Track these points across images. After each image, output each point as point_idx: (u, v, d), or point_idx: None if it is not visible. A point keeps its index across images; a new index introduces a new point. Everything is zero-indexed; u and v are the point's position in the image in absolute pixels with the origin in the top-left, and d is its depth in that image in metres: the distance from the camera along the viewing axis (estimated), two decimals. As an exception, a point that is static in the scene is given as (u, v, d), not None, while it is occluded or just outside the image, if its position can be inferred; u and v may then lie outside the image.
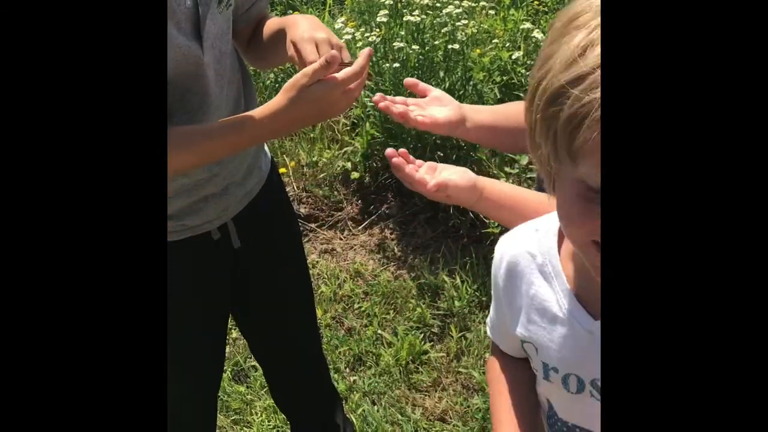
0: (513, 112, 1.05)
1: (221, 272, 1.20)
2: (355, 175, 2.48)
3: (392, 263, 2.26)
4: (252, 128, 0.97)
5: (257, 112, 0.97)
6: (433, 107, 1.02)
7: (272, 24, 1.13)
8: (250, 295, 1.29)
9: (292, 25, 1.04)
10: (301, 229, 2.42)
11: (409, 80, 1.06)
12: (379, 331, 2.02)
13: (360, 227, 2.41)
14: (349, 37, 2.24)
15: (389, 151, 0.96)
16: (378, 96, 1.00)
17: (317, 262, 2.29)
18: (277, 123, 0.96)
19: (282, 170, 2.44)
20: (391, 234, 2.37)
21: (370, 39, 2.19)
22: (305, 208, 2.48)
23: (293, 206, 1.47)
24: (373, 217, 2.43)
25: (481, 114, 1.05)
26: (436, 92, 1.05)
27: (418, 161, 0.98)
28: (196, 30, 0.99)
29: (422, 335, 2.01)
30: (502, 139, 1.07)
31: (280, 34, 1.07)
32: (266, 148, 1.27)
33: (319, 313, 2.08)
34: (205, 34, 0.99)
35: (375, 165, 2.53)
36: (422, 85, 1.06)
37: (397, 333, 2.00)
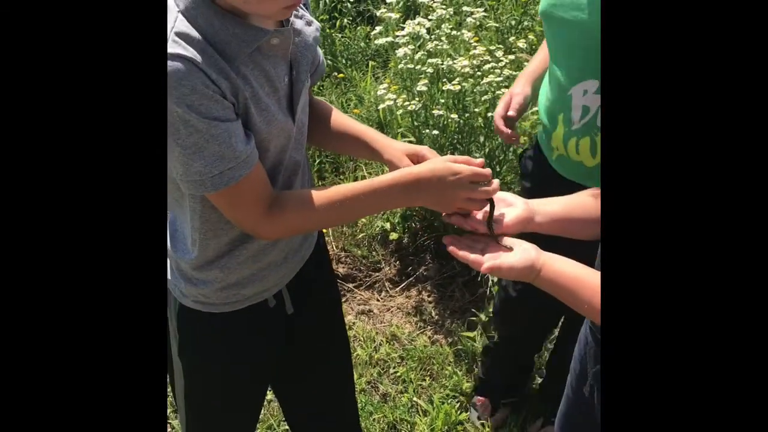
0: (586, 203, 1.07)
1: (274, 338, 1.22)
2: (393, 235, 2.49)
3: (429, 327, 2.24)
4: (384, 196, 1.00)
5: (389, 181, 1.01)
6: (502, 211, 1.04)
7: (351, 124, 1.19)
8: (295, 360, 1.30)
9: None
10: (339, 289, 2.43)
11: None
12: (415, 399, 1.99)
13: (397, 288, 2.41)
14: (391, 102, 2.28)
15: (446, 239, 1.00)
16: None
17: (354, 323, 2.29)
18: (404, 196, 1.00)
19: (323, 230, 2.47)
20: (428, 297, 2.36)
21: (409, 107, 2.22)
22: (344, 267, 2.50)
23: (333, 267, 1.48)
24: (410, 279, 2.42)
25: (550, 206, 1.06)
26: (499, 195, 1.04)
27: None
28: (289, 104, 1.02)
29: (458, 404, 1.97)
30: (576, 229, 1.08)
31: (358, 139, 1.16)
32: None
33: (354, 377, 2.07)
34: (298, 108, 1.03)
35: (414, 226, 2.54)
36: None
37: (433, 401, 1.97)
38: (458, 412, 1.94)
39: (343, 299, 2.39)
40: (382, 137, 1.15)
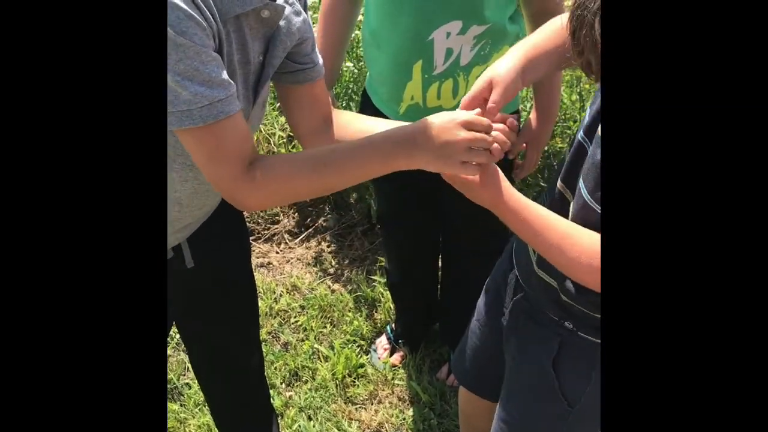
0: (546, 36, 1.02)
1: (171, 292, 1.18)
2: (291, 187, 2.46)
3: (329, 276, 2.26)
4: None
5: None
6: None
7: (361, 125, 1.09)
8: (199, 309, 1.28)
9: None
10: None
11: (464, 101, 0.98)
12: (316, 346, 2.02)
13: (297, 240, 2.40)
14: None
15: None
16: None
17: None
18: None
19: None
20: (328, 247, 2.37)
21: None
22: (241, 221, 2.46)
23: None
24: (309, 230, 2.42)
25: (511, 59, 0.99)
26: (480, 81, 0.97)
27: None
28: (255, 84, 0.96)
29: (359, 348, 2.02)
30: (548, 67, 1.03)
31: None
32: None
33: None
34: (262, 91, 0.98)
35: (312, 177, 2.52)
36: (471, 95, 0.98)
37: (334, 347, 2.00)
38: (359, 355, 1.99)
39: (242, 253, 2.36)
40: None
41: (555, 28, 1.01)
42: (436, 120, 0.90)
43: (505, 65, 0.97)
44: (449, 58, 1.31)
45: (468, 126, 0.90)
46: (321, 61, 1.05)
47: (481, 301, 1.31)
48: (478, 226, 1.62)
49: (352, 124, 1.09)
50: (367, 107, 1.50)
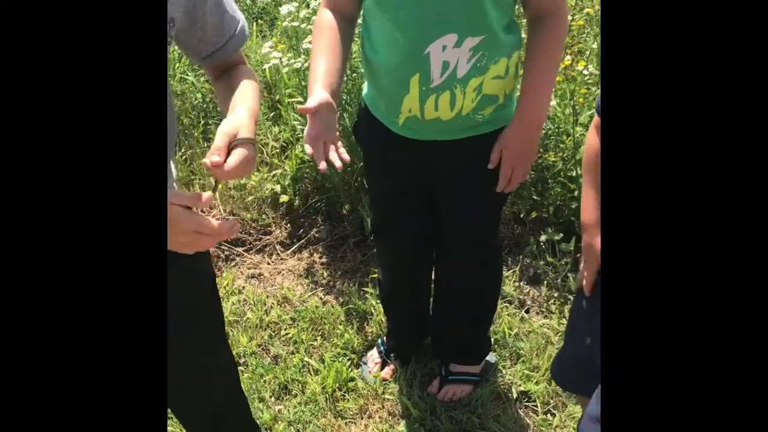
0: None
1: None
2: (284, 198, 2.45)
3: (321, 288, 2.25)
4: None
5: None
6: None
7: (230, 82, 1.09)
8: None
9: (232, 107, 1.01)
10: (228, 253, 2.38)
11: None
12: (306, 359, 2.00)
13: (289, 251, 2.39)
14: (276, 61, 2.23)
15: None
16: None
17: (243, 287, 2.26)
18: None
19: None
20: (320, 258, 2.36)
21: (295, 65, 2.18)
22: (233, 231, 2.44)
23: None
24: (302, 241, 2.41)
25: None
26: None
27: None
28: None
29: (350, 362, 2.00)
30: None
31: (228, 95, 1.05)
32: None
33: (244, 340, 2.05)
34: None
35: (305, 188, 2.51)
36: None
37: (324, 360, 1.98)
38: (349, 369, 1.97)
39: (233, 264, 2.35)
40: (243, 107, 1.00)
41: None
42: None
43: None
44: (446, 71, 1.30)
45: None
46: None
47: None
48: (472, 234, 1.62)
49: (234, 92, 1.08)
50: (367, 118, 1.50)
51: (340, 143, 1.22)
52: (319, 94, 1.22)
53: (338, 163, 1.18)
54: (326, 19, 1.37)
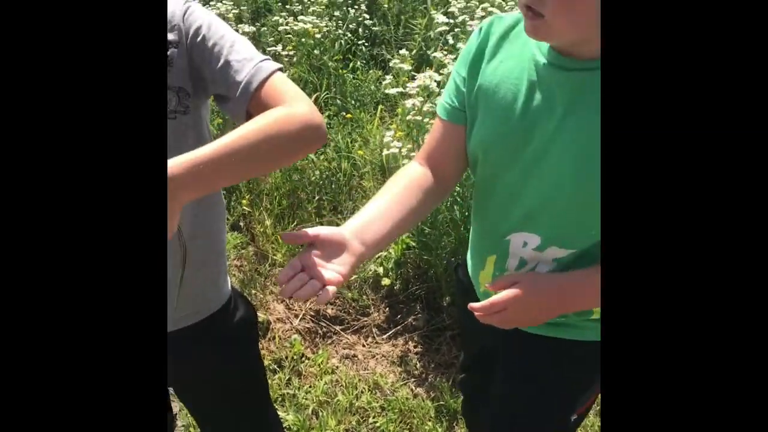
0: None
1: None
2: (386, 281, 2.48)
3: (413, 379, 2.22)
4: None
5: None
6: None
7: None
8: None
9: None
10: (326, 330, 2.41)
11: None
12: (392, 452, 1.96)
13: (384, 336, 2.39)
14: (396, 150, 2.30)
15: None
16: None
17: (337, 367, 2.27)
18: None
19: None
20: (415, 347, 2.34)
21: (412, 155, 2.24)
22: (332, 309, 2.48)
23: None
24: (398, 327, 2.41)
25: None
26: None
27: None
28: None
29: (435, 462, 1.94)
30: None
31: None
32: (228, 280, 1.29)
33: (332, 423, 2.04)
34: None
35: (407, 273, 2.53)
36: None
37: (410, 456, 1.94)
38: (434, 470, 1.91)
39: (329, 341, 2.37)
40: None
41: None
42: None
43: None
44: (522, 268, 1.11)
45: None
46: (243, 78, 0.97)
47: None
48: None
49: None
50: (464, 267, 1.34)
51: (332, 289, 0.88)
52: (330, 228, 0.94)
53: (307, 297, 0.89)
54: (412, 170, 1.13)
